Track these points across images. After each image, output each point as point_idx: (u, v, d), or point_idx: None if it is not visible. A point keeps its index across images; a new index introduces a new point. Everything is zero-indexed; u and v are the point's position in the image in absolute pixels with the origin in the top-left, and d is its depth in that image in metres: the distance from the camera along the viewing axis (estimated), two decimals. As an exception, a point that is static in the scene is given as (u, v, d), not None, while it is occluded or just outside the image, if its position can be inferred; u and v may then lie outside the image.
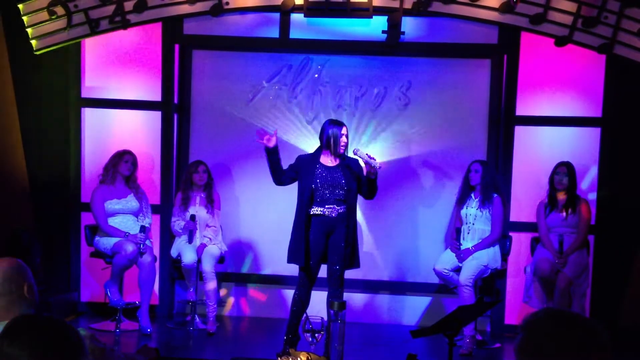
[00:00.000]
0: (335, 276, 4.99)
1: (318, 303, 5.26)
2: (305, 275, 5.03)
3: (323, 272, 5.13)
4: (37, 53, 6.02)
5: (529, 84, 6.02)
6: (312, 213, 4.98)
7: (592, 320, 1.72)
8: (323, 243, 5.01)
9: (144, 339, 5.52)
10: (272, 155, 5.01)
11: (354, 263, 5.10)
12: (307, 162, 5.07)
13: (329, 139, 5.01)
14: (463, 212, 5.71)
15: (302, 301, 5.03)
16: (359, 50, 6.24)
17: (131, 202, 5.85)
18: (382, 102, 6.33)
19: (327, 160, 5.05)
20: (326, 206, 4.97)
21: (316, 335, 3.11)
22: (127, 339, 5.59)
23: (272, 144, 4.97)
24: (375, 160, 4.90)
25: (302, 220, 4.98)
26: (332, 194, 4.97)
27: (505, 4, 5.73)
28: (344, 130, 5.04)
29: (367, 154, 4.93)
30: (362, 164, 5.06)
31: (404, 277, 6.33)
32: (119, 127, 6.31)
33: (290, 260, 5.08)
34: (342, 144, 5.02)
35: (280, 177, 5.08)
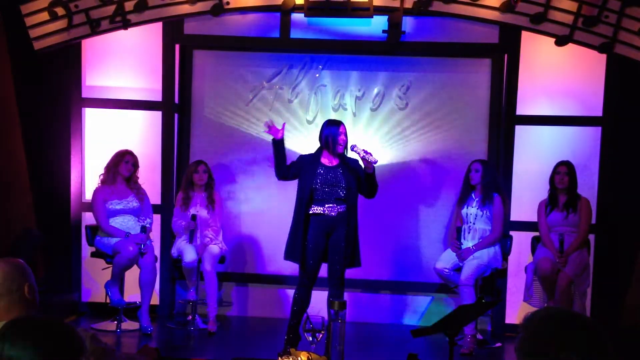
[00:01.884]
0: (336, 276, 5.02)
1: (319, 303, 5.26)
2: (306, 274, 5.05)
3: (323, 271, 5.14)
4: (38, 53, 6.01)
5: (529, 84, 6.01)
6: (312, 212, 5.03)
7: (592, 320, 1.72)
8: (323, 242, 5.03)
9: (144, 339, 5.52)
10: (279, 146, 5.08)
11: (355, 262, 5.13)
12: (309, 161, 5.11)
13: (327, 139, 5.07)
14: (464, 211, 5.72)
15: (302, 301, 5.05)
16: (360, 50, 6.24)
17: (132, 202, 5.85)
18: (383, 101, 6.33)
19: (327, 160, 5.10)
20: (326, 205, 5.01)
21: (317, 334, 3.11)
22: (128, 339, 5.59)
23: (280, 135, 5.06)
24: (371, 155, 4.92)
25: (301, 219, 5.02)
26: (332, 193, 5.01)
27: (506, 3, 5.72)
28: (342, 129, 5.08)
29: (363, 149, 4.96)
30: (360, 162, 5.08)
31: (404, 277, 6.33)
32: (119, 127, 6.31)
33: (287, 257, 5.12)
34: (341, 142, 5.06)
35: (284, 171, 5.14)
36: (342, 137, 5.07)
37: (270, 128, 5.08)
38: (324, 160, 5.10)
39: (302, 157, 5.21)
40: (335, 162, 5.09)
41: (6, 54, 6.09)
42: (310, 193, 5.01)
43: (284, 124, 5.16)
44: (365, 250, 6.16)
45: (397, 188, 6.31)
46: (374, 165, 4.94)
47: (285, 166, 5.13)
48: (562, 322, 1.69)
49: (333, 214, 5.01)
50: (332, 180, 5.03)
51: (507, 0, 5.71)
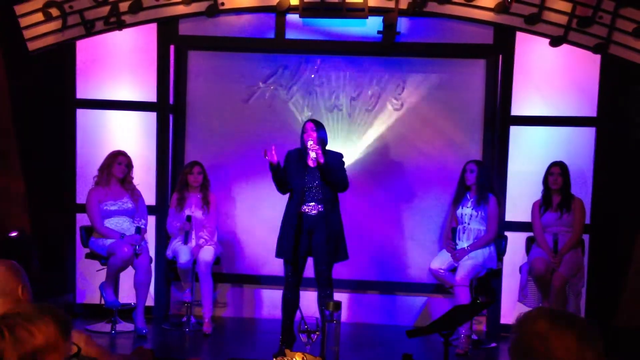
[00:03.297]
0: (323, 277, 5.08)
1: (314, 302, 5.26)
2: (291, 274, 5.13)
3: (312, 271, 5.15)
4: (32, 54, 6.00)
5: (524, 84, 6.02)
6: (299, 211, 5.10)
7: (585, 320, 1.72)
8: (306, 241, 5.11)
9: (139, 340, 5.51)
10: (277, 170, 5.07)
11: (339, 256, 5.15)
12: (296, 160, 5.15)
13: (302, 144, 5.16)
14: (458, 212, 5.73)
15: (292, 300, 5.12)
16: (355, 51, 6.24)
17: (127, 203, 5.84)
18: (378, 102, 6.33)
19: (310, 161, 5.12)
20: (307, 204, 5.08)
21: (312, 335, 3.10)
22: (123, 340, 5.59)
23: (275, 160, 5.02)
24: (313, 150, 4.95)
25: (293, 217, 5.08)
26: (313, 192, 5.08)
27: (500, 4, 5.73)
28: (307, 126, 5.13)
29: (311, 143, 4.99)
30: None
31: (399, 277, 6.33)
32: (114, 128, 6.29)
33: (278, 254, 5.17)
34: (305, 139, 5.08)
35: (285, 189, 5.19)
36: (306, 135, 5.10)
37: (268, 154, 5.01)
38: (308, 161, 5.13)
39: (289, 155, 5.24)
40: (315, 163, 5.09)
41: (0, 55, 6.07)
42: (302, 193, 5.07)
43: (273, 148, 5.02)
44: (360, 251, 6.19)
45: (392, 188, 6.31)
46: (316, 157, 4.95)
47: (285, 184, 5.15)
48: (554, 323, 1.69)
49: (313, 212, 5.08)
50: (313, 180, 5.09)
51: (502, 1, 5.73)
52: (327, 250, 5.04)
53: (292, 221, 5.09)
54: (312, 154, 4.97)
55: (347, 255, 5.22)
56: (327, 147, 5.23)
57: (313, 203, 5.08)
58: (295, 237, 5.07)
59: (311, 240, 5.10)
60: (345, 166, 5.29)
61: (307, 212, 5.09)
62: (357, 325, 6.14)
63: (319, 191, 5.09)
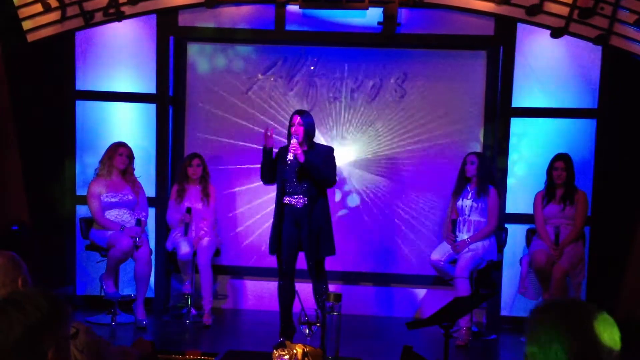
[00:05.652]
0: (313, 271, 5.10)
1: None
2: (285, 266, 5.13)
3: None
4: (32, 46, 5.96)
5: (525, 76, 6.00)
6: (285, 203, 5.11)
7: (602, 310, 1.72)
8: (295, 233, 5.10)
9: (139, 332, 5.52)
10: (268, 155, 5.10)
11: (323, 252, 5.10)
12: (283, 153, 5.13)
13: (288, 134, 5.13)
14: (459, 203, 5.72)
15: (287, 292, 5.13)
16: (355, 42, 6.21)
17: (128, 195, 5.83)
18: (378, 93, 6.31)
19: (289, 156, 5.04)
20: (294, 197, 5.09)
21: (312, 327, 3.10)
22: (123, 332, 5.59)
23: (270, 144, 5.04)
24: (291, 151, 4.92)
25: (277, 211, 5.13)
26: (299, 185, 5.06)
27: (501, -5, 5.71)
28: (293, 120, 5.08)
29: (294, 141, 4.97)
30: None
31: (399, 269, 6.33)
32: (113, 120, 6.28)
33: (270, 251, 5.21)
34: (292, 133, 5.04)
35: (270, 178, 5.19)
36: (293, 128, 5.06)
37: (268, 136, 5.04)
38: (287, 156, 5.06)
39: (280, 149, 5.24)
40: (294, 159, 5.02)
41: (-1, 46, 6.05)
42: (282, 185, 5.08)
43: (272, 131, 5.07)
44: (359, 242, 6.19)
45: (392, 179, 6.30)
46: (294, 158, 4.93)
47: (271, 175, 5.15)
48: (563, 312, 1.69)
49: (299, 205, 5.07)
50: (294, 173, 5.05)
51: (503, -8, 5.70)
52: (310, 246, 5.03)
53: (277, 213, 5.13)
54: (290, 156, 4.92)
55: (334, 251, 5.17)
56: (322, 142, 5.19)
57: (300, 195, 5.07)
58: (278, 228, 5.10)
59: (300, 235, 5.09)
60: (336, 160, 5.23)
61: (294, 203, 5.08)
62: (358, 317, 6.13)
63: (302, 184, 5.06)
